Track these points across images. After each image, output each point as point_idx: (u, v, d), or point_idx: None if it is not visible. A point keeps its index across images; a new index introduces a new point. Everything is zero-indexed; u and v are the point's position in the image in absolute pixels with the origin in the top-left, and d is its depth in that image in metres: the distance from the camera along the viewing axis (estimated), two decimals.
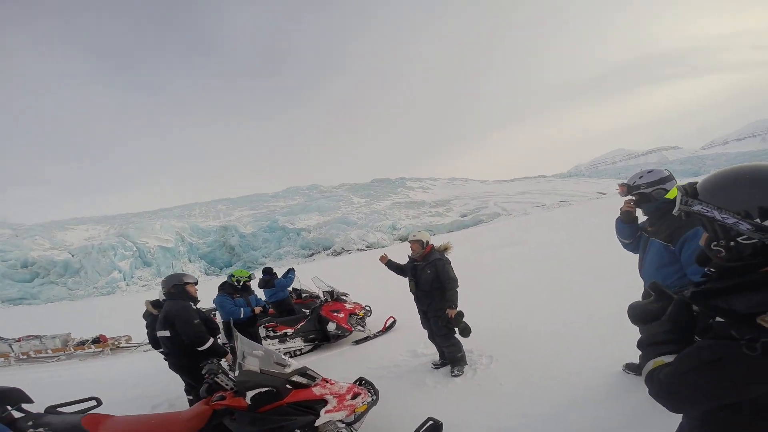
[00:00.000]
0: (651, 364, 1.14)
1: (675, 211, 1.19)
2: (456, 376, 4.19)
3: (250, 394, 2.44)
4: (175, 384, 5.00)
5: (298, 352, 6.30)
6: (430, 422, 3.04)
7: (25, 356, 8.89)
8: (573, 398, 3.27)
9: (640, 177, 2.80)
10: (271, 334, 6.21)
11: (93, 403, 2.87)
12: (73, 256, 52.50)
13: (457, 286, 4.35)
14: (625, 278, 6.84)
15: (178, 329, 3.47)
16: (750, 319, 0.93)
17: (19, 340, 9.17)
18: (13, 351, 8.84)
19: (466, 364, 4.40)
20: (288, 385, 2.59)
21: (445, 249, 4.57)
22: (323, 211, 79.02)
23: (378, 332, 6.69)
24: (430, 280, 4.34)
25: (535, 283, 8.06)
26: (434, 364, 4.64)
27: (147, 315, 4.81)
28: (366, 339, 6.45)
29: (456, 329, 4.26)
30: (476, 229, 48.15)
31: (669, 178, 2.74)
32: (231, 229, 66.56)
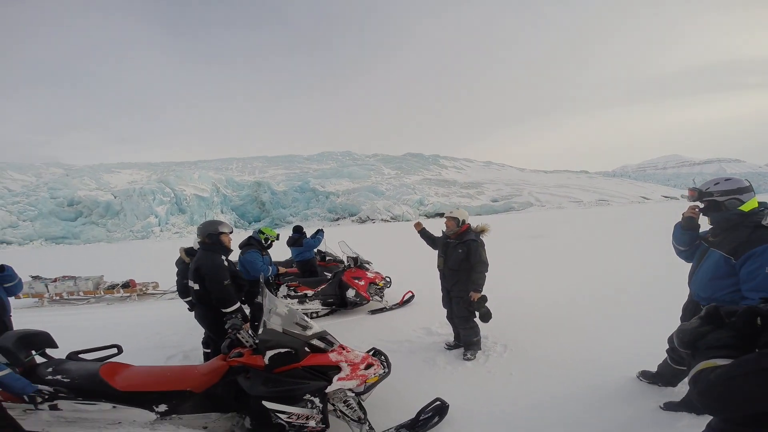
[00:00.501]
0: (701, 365, 1.16)
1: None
2: (468, 359, 4.19)
3: (269, 353, 2.45)
4: (192, 336, 5.24)
5: (314, 315, 6.43)
6: (438, 402, 3.07)
7: (58, 297, 9.12)
8: (581, 396, 3.23)
9: (716, 184, 2.55)
10: (292, 293, 6.34)
11: (114, 350, 2.93)
12: (115, 197, 55.66)
13: (486, 271, 4.23)
14: (654, 287, 6.60)
15: (208, 287, 3.47)
16: None
17: (55, 280, 9.38)
18: (48, 291, 9.08)
19: (480, 349, 4.35)
20: (306, 348, 2.62)
21: (482, 231, 4.40)
22: (354, 178, 79.50)
23: (395, 305, 6.73)
24: (460, 259, 4.24)
25: (558, 278, 7.85)
26: (447, 345, 4.64)
27: (180, 263, 4.86)
28: (382, 310, 6.53)
29: (477, 313, 4.21)
30: (505, 216, 47.07)
31: (747, 189, 2.47)
32: (264, 185, 68.38)
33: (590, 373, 3.62)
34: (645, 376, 3.37)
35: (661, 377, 3.25)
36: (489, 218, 42.06)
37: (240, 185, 69.68)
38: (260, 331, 2.52)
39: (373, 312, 6.43)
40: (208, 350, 4.06)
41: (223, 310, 3.43)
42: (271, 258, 5.54)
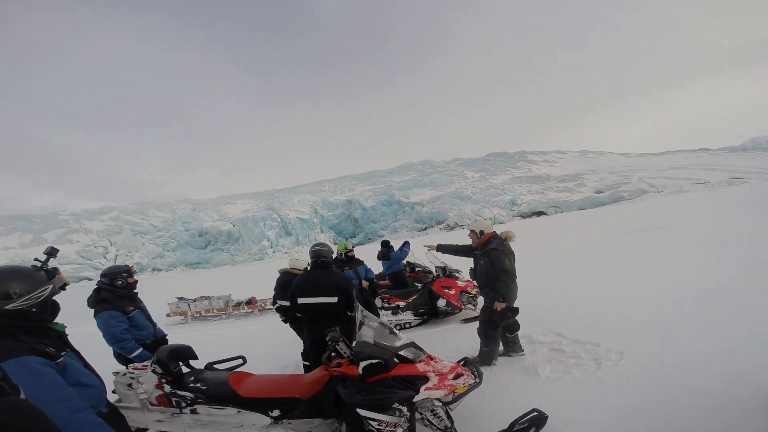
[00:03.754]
0: None
1: None
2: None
3: (362, 364, 2.59)
4: (302, 347, 5.77)
5: (407, 325, 6.52)
6: (534, 413, 2.87)
7: (198, 314, 10.79)
8: (723, 407, 2.73)
9: None
10: (386, 305, 6.58)
11: (240, 361, 3.32)
12: (234, 226, 64.87)
13: (511, 279, 4.03)
14: None
15: (352, 292, 3.72)
16: None
17: (194, 300, 11.09)
18: (190, 310, 10.81)
19: (489, 365, 4.10)
20: (396, 359, 2.70)
21: (507, 238, 4.22)
22: (436, 186, 79.11)
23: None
24: (485, 270, 4.12)
25: (683, 276, 6.65)
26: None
27: (285, 282, 5.08)
28: (475, 318, 6.33)
29: (500, 323, 3.98)
30: (614, 208, 41.73)
31: None
32: (354, 202, 72.34)
33: (730, 382, 3.03)
34: None
35: None
36: (595, 212, 37.82)
37: (334, 205, 74.84)
38: (354, 344, 2.69)
39: (466, 321, 6.30)
40: (308, 363, 4.40)
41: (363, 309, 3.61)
42: (357, 271, 5.80)
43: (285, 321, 4.89)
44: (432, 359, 2.87)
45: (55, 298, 1.73)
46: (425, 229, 63.44)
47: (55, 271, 1.72)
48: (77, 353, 1.78)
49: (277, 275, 5.12)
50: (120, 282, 3.47)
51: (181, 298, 11.10)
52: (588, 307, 5.68)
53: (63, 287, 1.75)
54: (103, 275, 3.48)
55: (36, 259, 1.74)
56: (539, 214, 56.78)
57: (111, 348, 3.37)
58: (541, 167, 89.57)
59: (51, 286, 1.66)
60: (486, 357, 4.17)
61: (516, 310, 3.99)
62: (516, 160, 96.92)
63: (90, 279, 53.87)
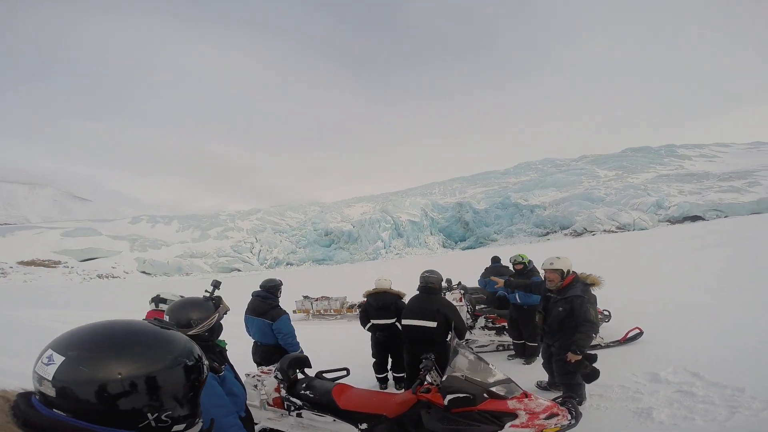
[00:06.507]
0: None
1: None
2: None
3: (449, 396, 2.66)
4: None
5: (511, 347, 6.15)
6: None
7: (318, 313, 11.95)
8: None
9: None
10: (490, 325, 6.42)
11: (344, 372, 3.62)
12: (353, 227, 70.84)
13: (594, 331, 3.64)
14: None
15: (456, 323, 3.85)
16: None
17: (317, 299, 12.19)
18: (312, 308, 12.03)
19: (585, 399, 3.80)
20: (485, 394, 2.72)
21: (593, 283, 3.80)
22: (560, 187, 71.73)
23: (613, 341, 5.71)
24: (561, 318, 3.67)
25: None
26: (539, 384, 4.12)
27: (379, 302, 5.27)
28: (594, 347, 5.71)
29: (576, 371, 3.53)
30: None
31: None
32: (465, 205, 70.95)
33: None
34: None
35: None
36: None
37: (444, 208, 74.79)
38: (444, 378, 2.81)
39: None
40: (380, 375, 4.88)
41: (459, 340, 3.68)
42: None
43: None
44: (527, 396, 2.82)
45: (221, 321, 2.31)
46: (546, 234, 58.25)
47: (219, 300, 2.31)
48: (231, 366, 2.35)
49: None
50: (279, 293, 4.22)
51: (306, 297, 12.68)
52: (746, 342, 4.74)
53: (225, 313, 2.33)
54: (268, 288, 4.16)
55: (206, 291, 2.37)
56: (694, 219, 46.65)
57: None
58: (697, 163, 73.19)
59: (217, 315, 2.22)
60: (578, 390, 3.85)
61: (594, 357, 3.54)
62: (662, 155, 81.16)
63: (239, 270, 65.23)
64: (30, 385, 0.85)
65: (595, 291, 3.97)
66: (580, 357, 3.50)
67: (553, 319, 3.81)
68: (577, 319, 3.61)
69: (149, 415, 0.84)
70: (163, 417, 0.87)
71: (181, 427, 0.91)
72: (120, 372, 0.81)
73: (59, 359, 0.80)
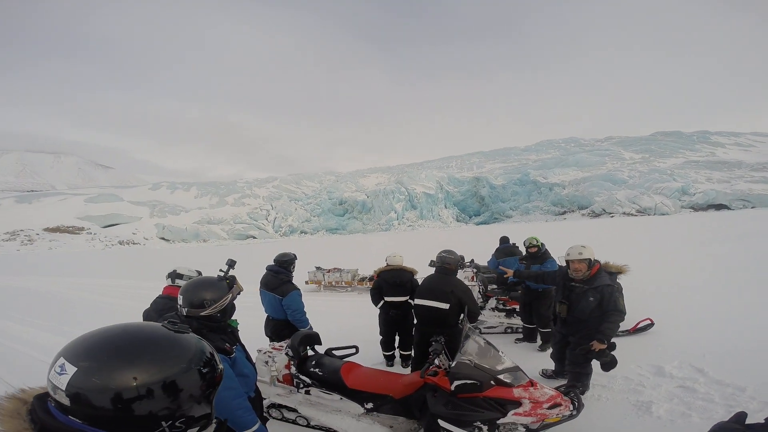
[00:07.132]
0: None
1: None
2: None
3: (456, 383, 2.68)
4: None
5: (519, 330, 6.16)
6: None
7: (329, 284, 11.95)
8: None
9: None
10: (500, 307, 6.40)
11: (353, 350, 3.68)
12: (367, 197, 70.85)
13: (622, 320, 3.59)
14: None
15: (470, 306, 3.79)
16: None
17: (329, 271, 12.14)
18: (323, 280, 11.99)
19: (588, 389, 3.82)
20: (492, 381, 2.73)
21: (619, 271, 3.75)
22: (583, 166, 69.62)
23: (622, 331, 5.63)
24: (591, 308, 3.58)
25: None
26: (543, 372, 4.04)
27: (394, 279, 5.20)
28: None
29: (598, 361, 3.54)
30: None
31: None
32: (482, 180, 69.85)
33: None
34: None
35: None
36: None
37: (460, 182, 73.81)
38: (453, 363, 2.82)
39: None
40: (387, 353, 4.96)
41: (470, 324, 3.69)
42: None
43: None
44: (532, 385, 2.83)
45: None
46: (563, 213, 57.18)
47: (233, 280, 2.32)
48: (242, 346, 2.40)
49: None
50: (292, 268, 4.19)
51: (318, 268, 12.85)
52: (757, 341, 4.68)
53: (238, 293, 2.35)
54: (281, 263, 4.13)
55: (220, 270, 2.38)
56: (718, 207, 44.86)
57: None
58: (730, 151, 69.48)
59: (231, 295, 2.23)
60: (585, 380, 3.87)
61: (614, 346, 3.52)
62: (693, 141, 77.26)
63: (254, 237, 66.70)
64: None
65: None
66: (605, 346, 3.49)
67: (582, 309, 3.74)
68: (606, 307, 3.59)
69: (163, 423, 0.86)
70: (177, 423, 0.88)
71: (195, 431, 0.93)
72: (133, 379, 0.82)
73: (71, 369, 0.81)
